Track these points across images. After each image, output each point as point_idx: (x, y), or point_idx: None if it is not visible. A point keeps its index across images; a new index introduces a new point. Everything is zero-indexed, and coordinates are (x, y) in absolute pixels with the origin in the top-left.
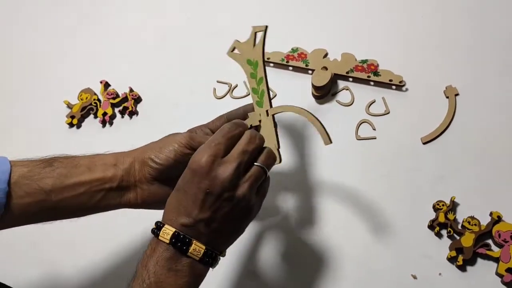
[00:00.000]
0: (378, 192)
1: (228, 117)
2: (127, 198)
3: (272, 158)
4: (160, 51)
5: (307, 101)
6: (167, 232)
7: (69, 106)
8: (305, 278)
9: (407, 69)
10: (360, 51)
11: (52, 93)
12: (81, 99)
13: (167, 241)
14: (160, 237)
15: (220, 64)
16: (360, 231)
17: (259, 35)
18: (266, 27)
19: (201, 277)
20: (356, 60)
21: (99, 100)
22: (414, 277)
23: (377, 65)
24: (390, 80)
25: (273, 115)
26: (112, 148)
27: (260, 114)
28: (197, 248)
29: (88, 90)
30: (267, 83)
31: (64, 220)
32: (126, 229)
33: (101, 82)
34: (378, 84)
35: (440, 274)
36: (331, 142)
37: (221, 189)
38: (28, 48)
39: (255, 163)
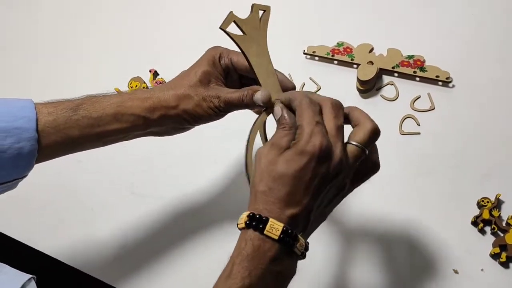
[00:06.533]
0: (421, 187)
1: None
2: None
3: (374, 135)
4: (207, 42)
5: (352, 95)
6: (276, 227)
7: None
8: (350, 271)
9: (454, 65)
10: (407, 46)
11: (104, 80)
12: (131, 87)
13: (276, 237)
14: (266, 233)
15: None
16: (402, 226)
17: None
18: (269, 7)
19: (292, 276)
20: (402, 55)
21: (148, 88)
22: (456, 272)
23: (424, 61)
24: (437, 76)
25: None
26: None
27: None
28: (301, 243)
29: (137, 79)
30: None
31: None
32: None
33: (150, 71)
34: (424, 79)
35: (482, 270)
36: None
37: (337, 172)
38: (82, 37)
39: (352, 143)
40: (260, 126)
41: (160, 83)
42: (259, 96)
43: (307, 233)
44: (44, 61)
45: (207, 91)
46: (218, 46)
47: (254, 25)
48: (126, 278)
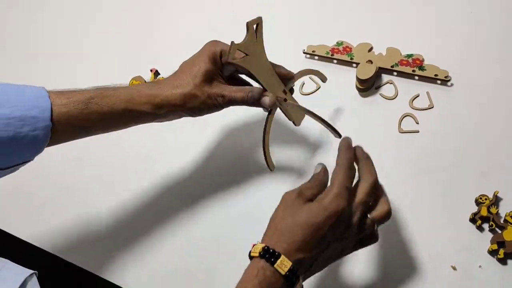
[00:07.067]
0: (419, 184)
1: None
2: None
3: (386, 218)
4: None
5: (351, 94)
6: (285, 264)
7: None
8: (348, 269)
9: (453, 64)
10: (406, 46)
11: (105, 79)
12: None
13: (283, 273)
14: (276, 267)
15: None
16: (400, 223)
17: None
18: (261, 18)
19: None
20: (401, 54)
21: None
22: (454, 268)
23: (423, 60)
24: (436, 75)
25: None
26: (157, 134)
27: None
28: (300, 284)
29: (139, 78)
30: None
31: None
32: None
33: (151, 71)
34: (423, 78)
35: (480, 266)
36: (340, 137)
37: (346, 236)
38: (83, 37)
39: (369, 215)
40: (270, 126)
41: None
42: (267, 101)
43: (304, 277)
44: (44, 60)
45: (211, 89)
46: (217, 42)
47: (252, 42)
48: (126, 275)
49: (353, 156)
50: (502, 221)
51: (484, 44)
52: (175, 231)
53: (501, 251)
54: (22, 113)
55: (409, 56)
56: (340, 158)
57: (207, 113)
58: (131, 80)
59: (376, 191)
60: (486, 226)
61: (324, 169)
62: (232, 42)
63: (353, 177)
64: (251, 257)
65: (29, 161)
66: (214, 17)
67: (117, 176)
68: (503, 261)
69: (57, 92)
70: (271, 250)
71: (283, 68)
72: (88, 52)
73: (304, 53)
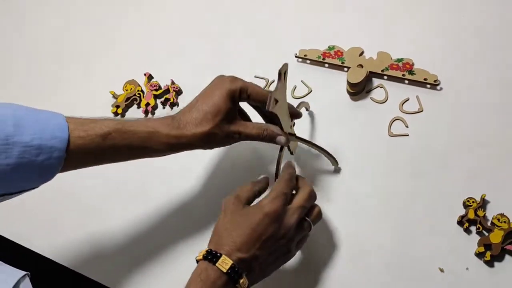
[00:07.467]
0: (409, 187)
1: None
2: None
3: (320, 217)
4: (201, 46)
5: (342, 97)
6: (226, 262)
7: (115, 96)
8: (335, 270)
9: (442, 69)
10: (396, 50)
11: (99, 84)
12: (126, 90)
13: (224, 270)
14: (217, 265)
15: (258, 59)
16: (390, 225)
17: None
18: (287, 64)
19: None
20: (391, 58)
21: (142, 91)
22: (442, 271)
23: (413, 64)
24: (425, 79)
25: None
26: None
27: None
28: (244, 281)
29: (132, 82)
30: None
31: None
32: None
33: (145, 75)
34: (413, 82)
35: (467, 268)
36: (337, 164)
37: (282, 236)
38: (78, 42)
39: (306, 218)
40: (281, 161)
41: (154, 86)
42: (282, 141)
43: (250, 279)
44: (39, 64)
45: (230, 127)
46: (236, 79)
47: (282, 88)
48: (120, 278)
49: (294, 172)
50: (489, 223)
51: (473, 49)
52: (170, 235)
53: (488, 254)
54: (41, 142)
55: (399, 60)
56: (282, 172)
57: (218, 147)
58: (125, 84)
59: (313, 202)
60: (473, 228)
61: (265, 177)
62: (271, 93)
63: (292, 188)
64: (197, 262)
65: (35, 188)
66: (207, 21)
67: (113, 179)
68: (490, 264)
69: (75, 121)
70: (213, 252)
71: (294, 107)
72: (81, 56)
73: (296, 57)
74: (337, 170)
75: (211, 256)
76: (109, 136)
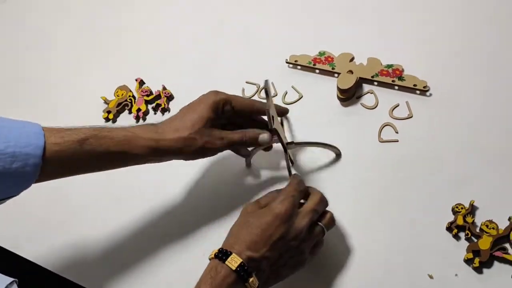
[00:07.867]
0: (398, 193)
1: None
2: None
3: (333, 223)
4: (192, 52)
5: (333, 103)
6: (235, 260)
7: (106, 101)
8: (321, 275)
9: (432, 75)
10: (386, 56)
11: (91, 89)
12: (117, 96)
13: (233, 268)
14: (227, 263)
15: (249, 65)
16: (378, 231)
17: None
18: (268, 80)
19: None
20: (381, 64)
21: (134, 97)
22: (431, 277)
23: (402, 70)
24: (415, 85)
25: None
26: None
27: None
28: (254, 281)
29: (124, 87)
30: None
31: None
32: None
33: (136, 80)
34: (403, 88)
35: (456, 275)
36: (339, 151)
37: (293, 237)
38: (70, 47)
39: (319, 223)
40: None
41: (146, 91)
42: (265, 137)
43: (260, 279)
44: (29, 69)
45: (210, 134)
46: (218, 92)
47: (271, 103)
48: (108, 284)
49: (302, 179)
50: (477, 230)
51: (463, 55)
52: (158, 239)
53: (476, 260)
54: (15, 150)
55: (389, 66)
56: (290, 179)
57: (201, 157)
58: (116, 89)
59: (324, 207)
60: (462, 234)
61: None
62: (267, 111)
63: (301, 192)
64: (210, 260)
65: (15, 196)
66: (199, 27)
67: (101, 184)
68: (478, 270)
69: (52, 129)
70: (224, 250)
71: (280, 107)
72: (72, 61)
73: (287, 62)
74: (339, 155)
75: (221, 254)
76: (86, 141)
